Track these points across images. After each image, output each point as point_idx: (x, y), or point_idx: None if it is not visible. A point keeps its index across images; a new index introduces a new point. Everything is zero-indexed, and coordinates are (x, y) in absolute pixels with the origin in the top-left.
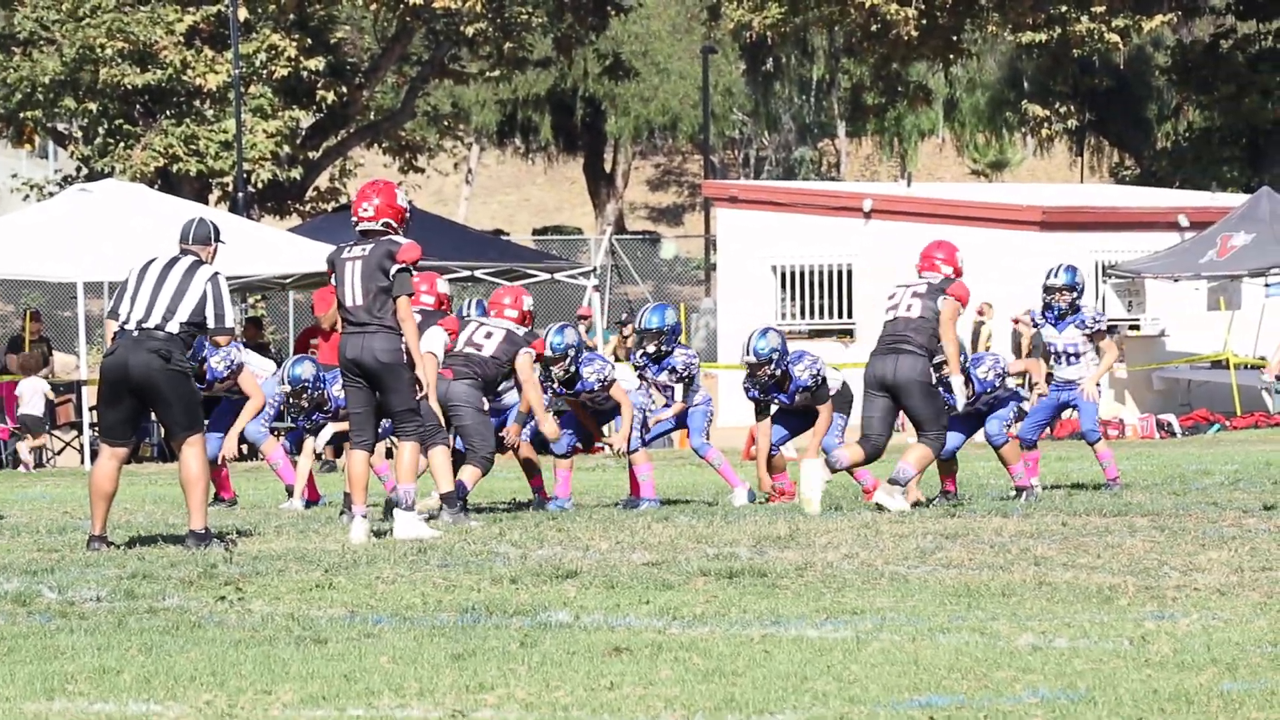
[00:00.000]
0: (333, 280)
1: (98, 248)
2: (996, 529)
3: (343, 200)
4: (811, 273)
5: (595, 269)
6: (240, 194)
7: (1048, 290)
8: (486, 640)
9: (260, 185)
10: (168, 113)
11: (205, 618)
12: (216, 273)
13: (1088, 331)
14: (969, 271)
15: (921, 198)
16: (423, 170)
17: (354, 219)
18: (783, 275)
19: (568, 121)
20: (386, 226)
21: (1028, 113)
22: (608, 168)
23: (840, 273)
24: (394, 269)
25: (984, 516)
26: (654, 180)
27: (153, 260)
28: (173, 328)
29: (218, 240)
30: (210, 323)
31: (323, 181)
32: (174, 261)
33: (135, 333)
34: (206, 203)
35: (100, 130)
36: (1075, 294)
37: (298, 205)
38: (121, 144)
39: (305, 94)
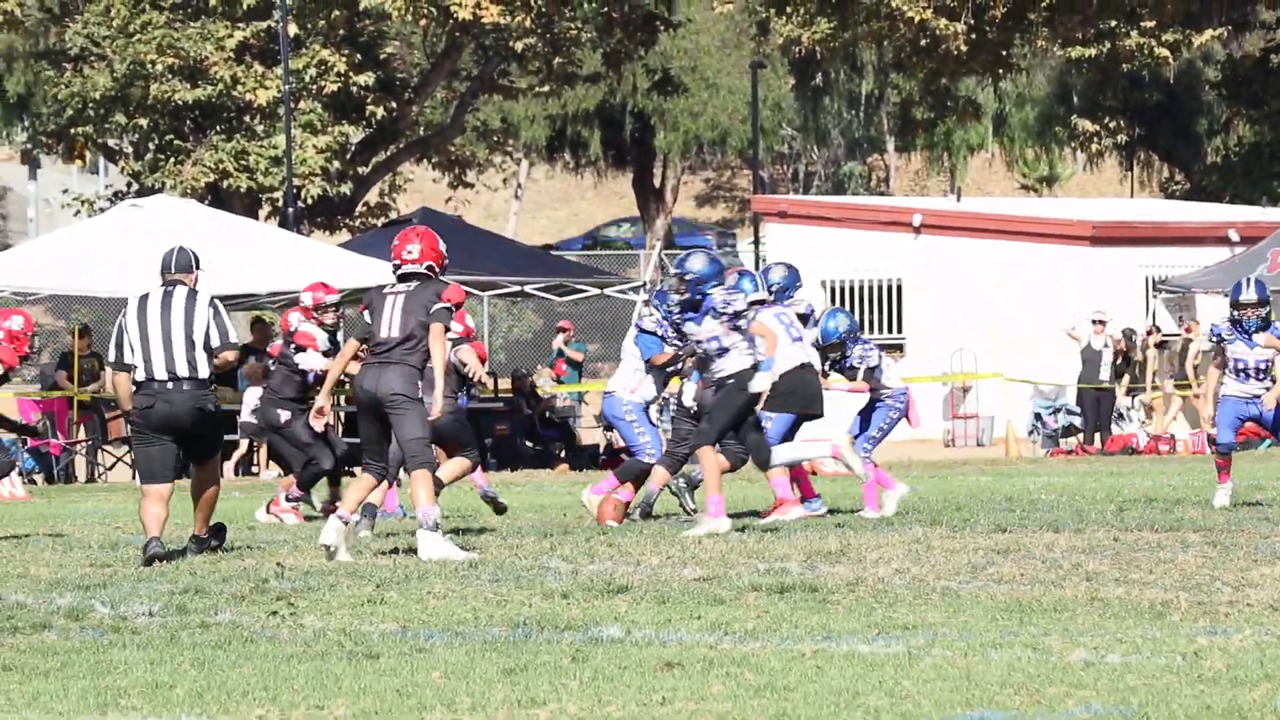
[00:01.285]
0: (366, 316)
1: (148, 263)
2: (1048, 544)
3: (392, 215)
4: (861, 288)
5: (645, 284)
6: (290, 209)
7: (1239, 306)
8: (538, 655)
9: (310, 200)
10: (218, 128)
11: (257, 632)
12: (212, 297)
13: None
14: (1019, 285)
15: (971, 212)
16: (472, 185)
17: (396, 262)
18: (832, 290)
19: (617, 136)
20: (430, 270)
21: (1077, 127)
22: (657, 183)
23: (890, 288)
24: (437, 305)
25: (1035, 532)
26: (703, 196)
27: (145, 302)
28: (203, 372)
29: (198, 268)
30: (215, 345)
31: (372, 197)
32: (168, 297)
33: (169, 383)
34: (256, 218)
35: (151, 146)
36: (1267, 308)
37: (347, 220)
38: (172, 159)
39: (355, 109)
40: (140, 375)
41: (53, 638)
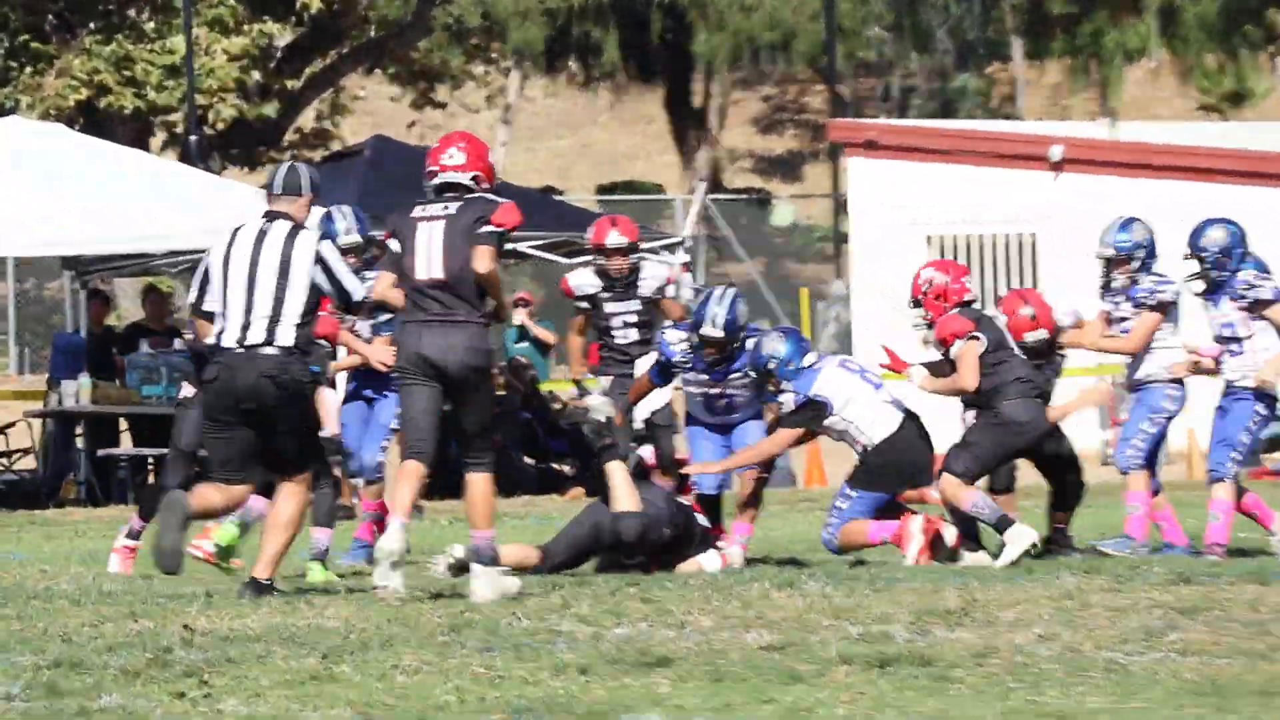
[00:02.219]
0: (394, 245)
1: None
2: (1252, 601)
3: (334, 146)
4: (980, 244)
5: (684, 241)
6: (194, 138)
7: None
8: None
9: (221, 126)
10: (92, 25)
11: None
12: (321, 236)
13: None
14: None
15: (1131, 142)
16: (444, 105)
17: (432, 169)
18: (940, 248)
19: (641, 38)
20: (476, 181)
21: (1276, 25)
22: (697, 102)
23: (1019, 244)
24: (485, 228)
25: (1233, 584)
26: (762, 120)
27: (236, 238)
28: (284, 338)
29: (314, 190)
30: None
31: (306, 120)
32: (261, 237)
33: (239, 350)
34: (146, 148)
35: None
36: None
37: (272, 153)
38: (29, 69)
39: (281, 1)
40: (215, 339)
41: None
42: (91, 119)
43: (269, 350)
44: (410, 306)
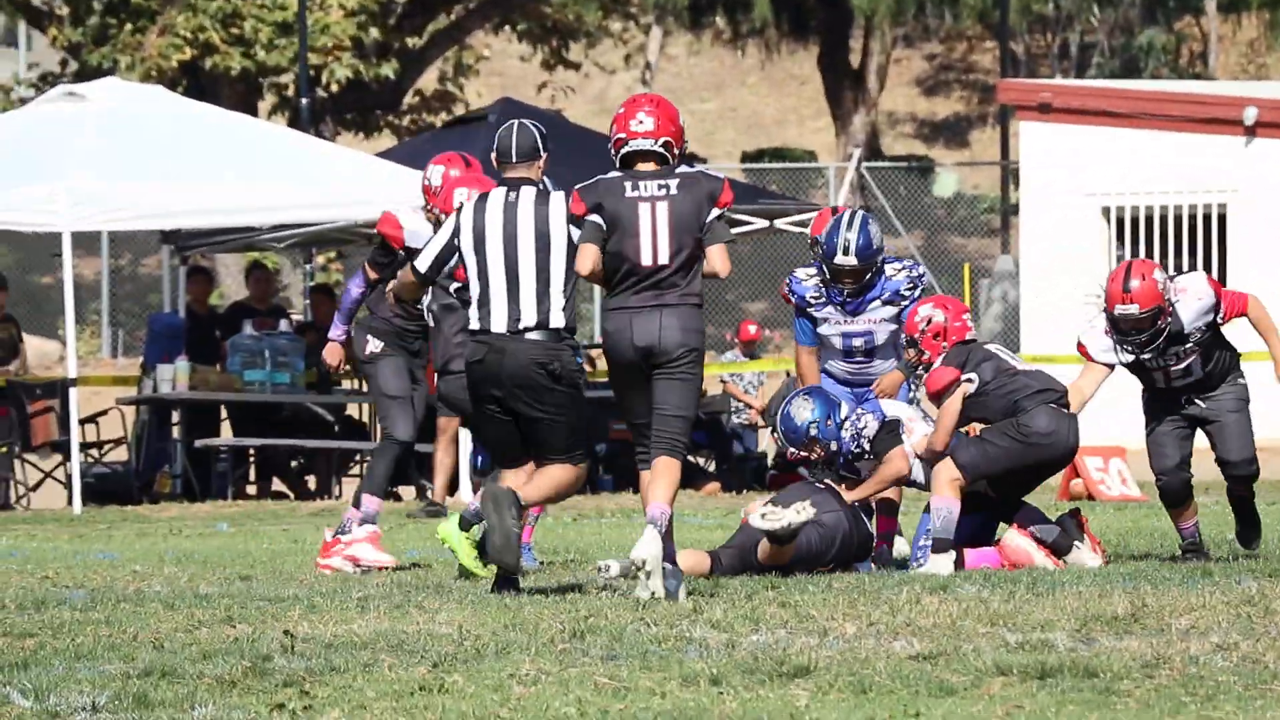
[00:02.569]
0: (597, 220)
1: (94, 183)
2: None
3: (458, 110)
4: (1163, 217)
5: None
6: (305, 101)
7: None
8: None
9: (335, 88)
10: None
11: None
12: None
13: None
14: None
15: None
16: (578, 66)
17: (620, 136)
18: (1119, 220)
19: None
20: (667, 149)
21: None
22: (855, 61)
23: (1207, 216)
24: (713, 214)
25: None
26: (925, 80)
27: (485, 211)
28: (556, 319)
29: (546, 149)
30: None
31: (428, 83)
32: (512, 208)
33: (507, 335)
34: (255, 112)
35: (96, 6)
36: None
37: (391, 117)
38: (128, 27)
39: None
40: (475, 321)
41: None
42: (195, 81)
43: (539, 335)
44: (623, 292)
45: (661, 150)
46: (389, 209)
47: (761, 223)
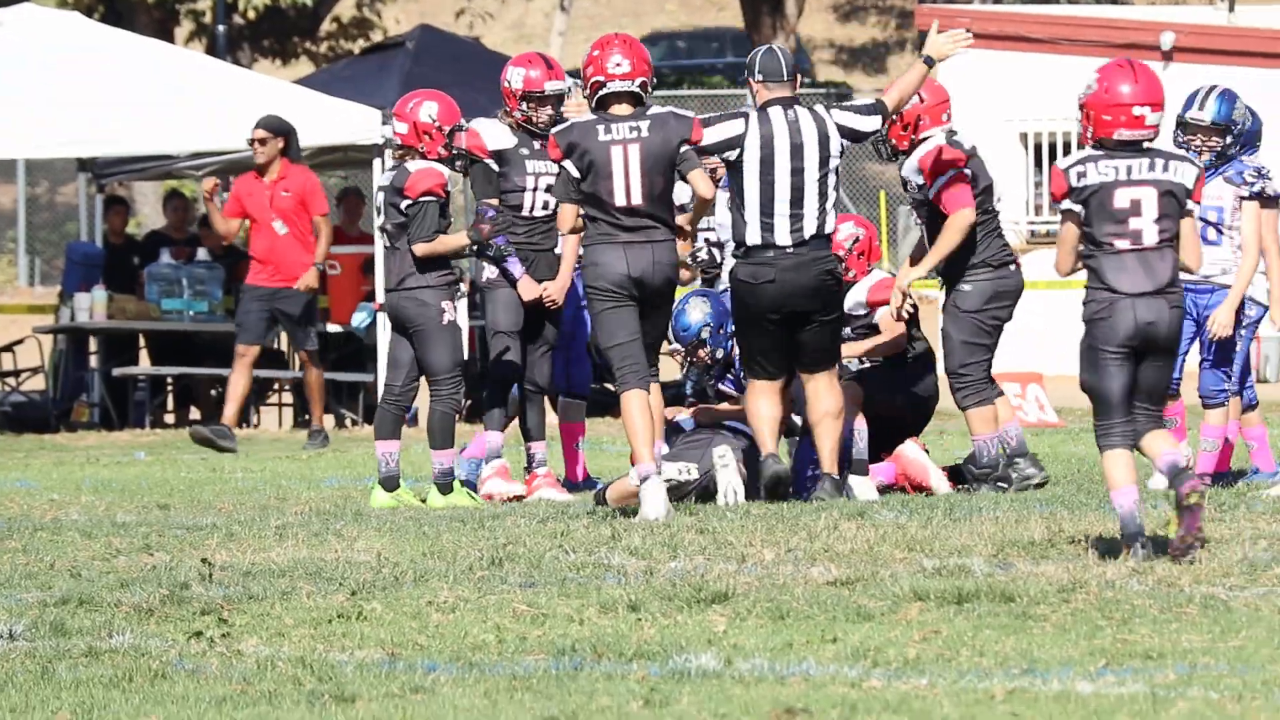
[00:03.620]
0: (568, 167)
1: (9, 110)
2: None
3: (375, 36)
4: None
5: None
6: (222, 27)
7: None
8: (594, 698)
9: (252, 15)
10: None
11: (173, 664)
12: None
13: None
14: None
15: (1250, 29)
16: None
17: (597, 79)
18: (1036, 148)
19: None
20: (644, 89)
21: None
22: None
23: None
24: (685, 148)
25: None
26: (843, 6)
27: (768, 122)
28: (828, 227)
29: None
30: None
31: (345, 9)
32: (795, 123)
33: (793, 250)
34: (171, 39)
35: None
36: None
37: (308, 44)
38: None
39: None
40: (754, 237)
41: None
42: (112, 7)
43: (819, 245)
44: (605, 229)
45: (638, 90)
46: (471, 126)
47: None
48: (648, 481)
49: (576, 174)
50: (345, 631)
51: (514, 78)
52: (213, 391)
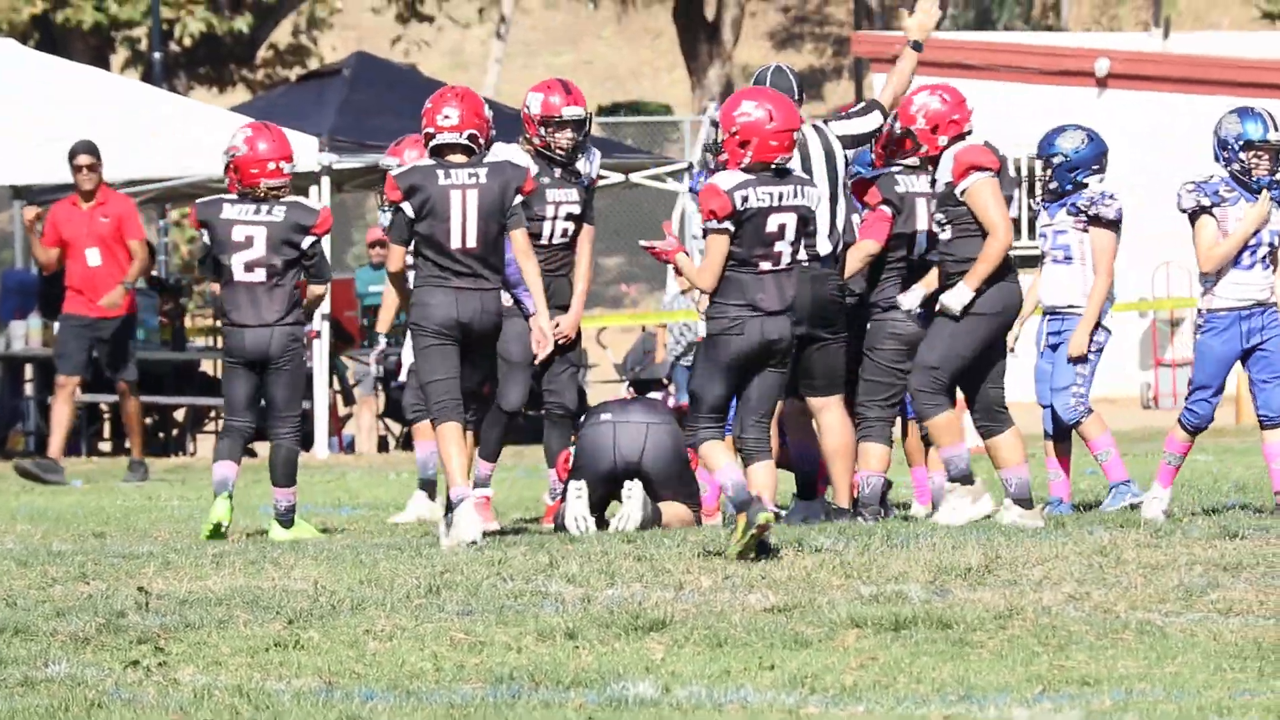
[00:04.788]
0: (406, 209)
1: None
2: None
3: (311, 64)
4: (1018, 169)
5: (691, 166)
6: (158, 54)
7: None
8: None
9: (189, 42)
10: None
11: (109, 693)
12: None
13: None
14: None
15: (1183, 55)
16: (431, 19)
17: (428, 130)
18: None
19: None
20: (473, 140)
21: None
22: (710, 14)
23: None
24: (516, 201)
25: None
26: (779, 33)
27: (803, 140)
28: (837, 244)
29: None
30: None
31: (282, 36)
32: (803, 146)
33: (805, 263)
34: (107, 66)
35: None
36: None
37: (244, 72)
38: None
39: None
40: None
41: None
42: (47, 34)
43: (833, 270)
44: (436, 271)
45: (466, 142)
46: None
47: (618, 177)
48: (462, 504)
49: (411, 215)
50: (282, 660)
51: (533, 103)
52: (147, 420)
